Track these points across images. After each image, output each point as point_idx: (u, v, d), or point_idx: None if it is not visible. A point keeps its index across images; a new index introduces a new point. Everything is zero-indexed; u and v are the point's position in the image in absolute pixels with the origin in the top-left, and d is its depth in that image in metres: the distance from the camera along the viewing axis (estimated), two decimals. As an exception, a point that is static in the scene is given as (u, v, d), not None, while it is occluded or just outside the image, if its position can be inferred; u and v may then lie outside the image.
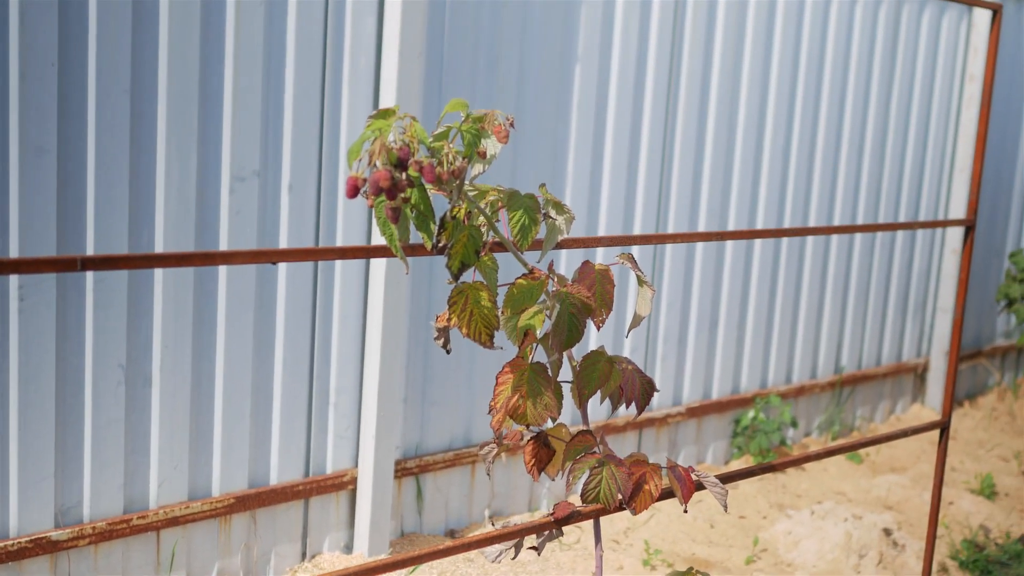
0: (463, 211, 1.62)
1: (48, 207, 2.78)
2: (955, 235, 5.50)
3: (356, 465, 3.48)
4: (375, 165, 1.45)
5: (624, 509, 1.94)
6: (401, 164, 1.46)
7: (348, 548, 3.52)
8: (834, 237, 4.99)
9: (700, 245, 4.43)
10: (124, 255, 1.45)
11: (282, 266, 3.26)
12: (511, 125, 1.61)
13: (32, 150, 2.73)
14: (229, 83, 3.06)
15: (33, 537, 2.84)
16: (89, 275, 2.88)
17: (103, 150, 2.85)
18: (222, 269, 3.13)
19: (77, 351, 2.89)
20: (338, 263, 3.36)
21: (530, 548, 2.09)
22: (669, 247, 4.32)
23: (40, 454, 2.85)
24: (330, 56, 3.25)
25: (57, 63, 2.76)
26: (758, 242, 4.65)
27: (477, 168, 1.63)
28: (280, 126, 3.19)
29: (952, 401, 2.89)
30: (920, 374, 5.64)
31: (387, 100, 3.32)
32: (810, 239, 4.88)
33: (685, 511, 2.01)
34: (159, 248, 2.99)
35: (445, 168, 1.52)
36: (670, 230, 4.27)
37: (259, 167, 3.15)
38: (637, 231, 4.17)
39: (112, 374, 2.95)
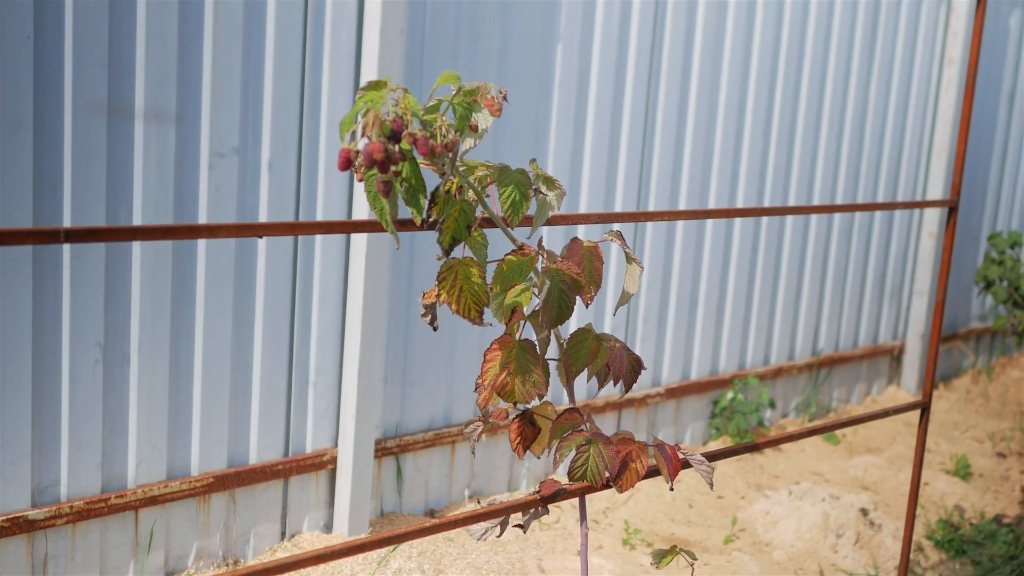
0: (455, 186, 1.60)
1: (24, 182, 2.73)
2: (932, 218, 5.52)
3: (336, 444, 3.46)
4: (368, 137, 1.43)
5: (610, 487, 1.93)
6: (394, 136, 1.44)
7: (328, 528, 3.50)
8: (813, 219, 5.00)
9: (680, 224, 4.42)
10: (108, 227, 1.42)
11: (262, 244, 3.22)
12: (504, 98, 1.59)
13: (8, 124, 2.69)
14: (208, 58, 3.02)
15: (10, 516, 2.80)
16: (66, 251, 2.84)
17: (80, 125, 2.81)
18: (201, 246, 3.09)
19: (54, 329, 2.85)
20: (318, 240, 3.33)
21: (515, 526, 2.08)
22: (650, 226, 4.31)
23: (16, 433, 2.81)
24: (311, 32, 3.22)
25: (33, 36, 2.71)
26: (738, 222, 4.65)
27: (468, 142, 1.60)
28: (260, 102, 3.15)
29: (933, 381, 2.89)
30: (896, 356, 5.67)
31: (368, 76, 3.29)
32: (789, 221, 4.88)
33: (671, 489, 2.00)
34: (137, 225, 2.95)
35: (438, 141, 1.50)
36: (651, 208, 4.26)
37: (238, 143, 3.11)
38: (618, 208, 4.14)
39: (89, 352, 2.91)
